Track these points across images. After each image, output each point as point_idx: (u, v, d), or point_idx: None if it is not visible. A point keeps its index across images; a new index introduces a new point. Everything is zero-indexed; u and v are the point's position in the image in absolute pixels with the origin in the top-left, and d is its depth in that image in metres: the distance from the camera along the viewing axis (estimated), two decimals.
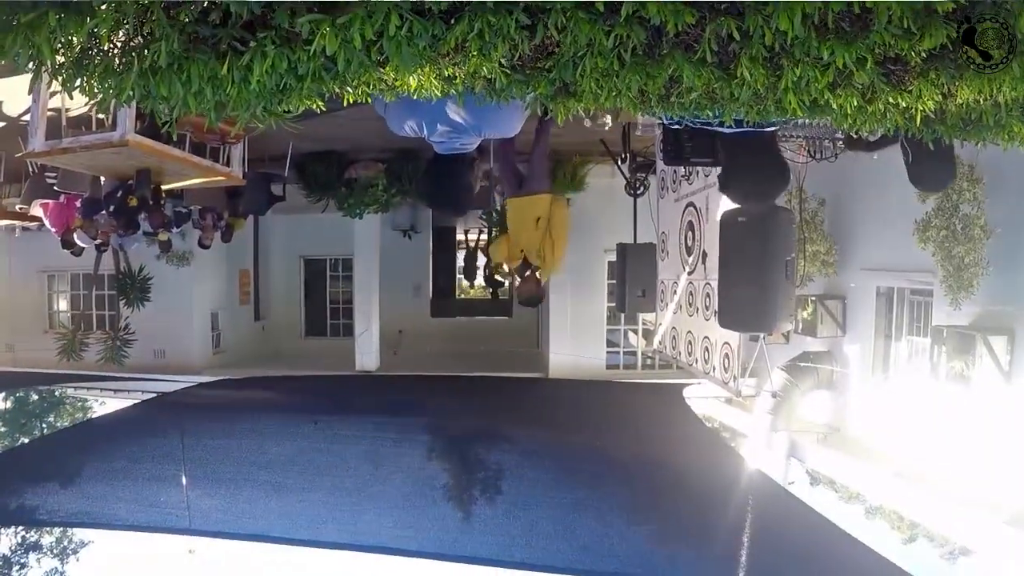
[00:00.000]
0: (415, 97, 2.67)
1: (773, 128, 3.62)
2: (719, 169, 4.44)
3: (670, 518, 8.76)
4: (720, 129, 3.42)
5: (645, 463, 9.85)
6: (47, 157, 6.89)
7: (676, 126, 4.21)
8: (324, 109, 2.77)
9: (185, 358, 14.64)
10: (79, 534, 12.43)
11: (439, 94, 2.62)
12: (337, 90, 2.57)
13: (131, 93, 2.37)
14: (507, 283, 6.64)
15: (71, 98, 2.76)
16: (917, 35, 2.15)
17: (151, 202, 8.41)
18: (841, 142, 4.83)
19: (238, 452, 10.85)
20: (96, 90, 2.40)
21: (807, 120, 2.74)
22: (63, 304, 15.97)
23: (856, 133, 4.00)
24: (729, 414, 11.72)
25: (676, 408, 11.62)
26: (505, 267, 6.54)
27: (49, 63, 2.24)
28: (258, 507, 9.44)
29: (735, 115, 2.68)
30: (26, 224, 11.73)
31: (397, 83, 2.56)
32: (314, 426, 11.38)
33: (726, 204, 6.46)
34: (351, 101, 2.74)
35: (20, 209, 10.99)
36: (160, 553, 9.71)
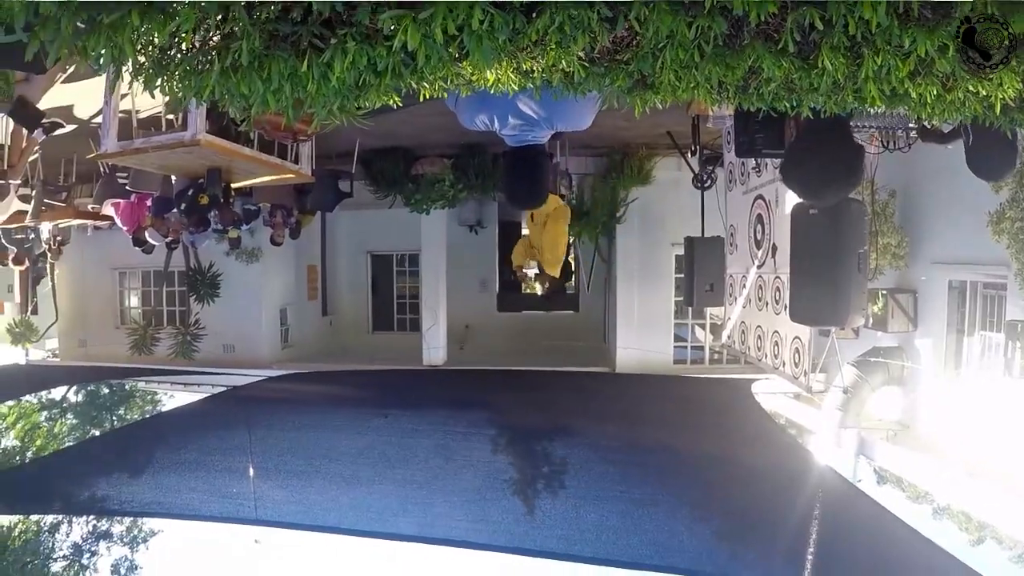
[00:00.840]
0: (491, 92, 2.67)
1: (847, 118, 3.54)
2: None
3: (738, 514, 8.70)
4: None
5: (713, 459, 9.79)
6: (119, 158, 7.01)
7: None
8: (400, 104, 2.76)
9: (254, 353, 14.85)
10: (148, 524, 12.83)
11: (516, 88, 2.61)
12: (414, 85, 2.56)
13: (212, 92, 2.40)
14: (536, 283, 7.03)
15: (152, 97, 2.80)
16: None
17: (222, 200, 8.57)
18: (914, 132, 4.74)
19: (308, 445, 10.98)
20: (177, 89, 2.42)
21: (883, 110, 2.69)
22: (134, 300, 16.32)
23: (930, 123, 3.97)
24: (798, 410, 11.57)
25: (744, 403, 11.51)
26: (526, 270, 6.90)
27: (131, 63, 2.28)
28: (329, 499, 9.58)
29: (813, 105, 2.65)
30: (98, 223, 12.03)
31: (475, 77, 2.56)
32: (384, 420, 11.52)
33: (796, 196, 6.44)
34: (427, 96, 2.74)
35: (92, 209, 11.20)
36: (227, 542, 9.94)
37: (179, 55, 2.37)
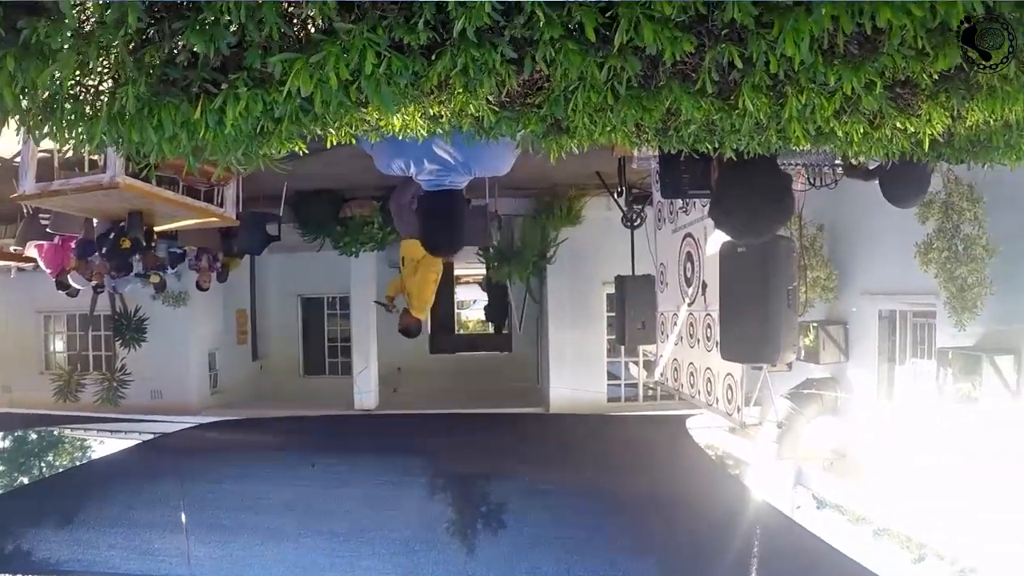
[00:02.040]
0: (401, 137, 2.55)
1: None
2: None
3: (677, 552, 8.62)
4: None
5: (648, 498, 9.67)
6: (38, 199, 6.90)
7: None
8: (307, 152, 2.64)
9: (183, 398, 14.53)
10: None
11: (425, 133, 2.50)
12: (319, 131, 2.44)
13: (103, 139, 2.24)
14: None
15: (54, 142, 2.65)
16: (931, 55, 2.03)
17: (144, 244, 8.36)
18: (840, 168, 4.70)
19: (234, 497, 10.62)
20: (67, 137, 2.26)
21: (809, 148, 2.60)
22: (59, 345, 15.92)
23: (857, 160, 3.91)
24: (733, 444, 11.55)
25: (679, 439, 11.46)
26: (395, 304, 7.48)
27: (13, 110, 2.11)
28: (253, 554, 9.25)
29: (735, 146, 2.55)
30: (21, 265, 11.73)
31: (381, 123, 2.45)
32: (311, 468, 11.15)
33: (724, 234, 6.39)
34: (334, 143, 2.62)
35: (14, 251, 10.91)
36: None
37: (67, 101, 2.20)
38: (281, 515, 9.93)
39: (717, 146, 2.55)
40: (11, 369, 15.45)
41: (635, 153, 4.60)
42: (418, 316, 7.26)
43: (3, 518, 11.20)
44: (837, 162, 4.53)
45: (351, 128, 2.47)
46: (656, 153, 4.56)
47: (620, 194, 7.42)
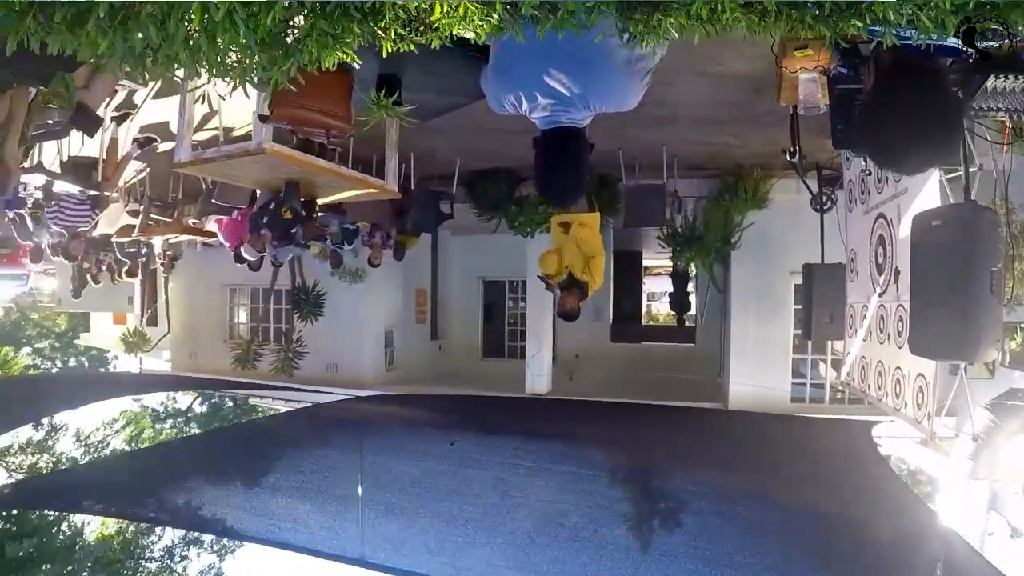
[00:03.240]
0: (456, 32, 2.14)
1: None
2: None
3: None
4: None
5: (813, 514, 8.74)
6: (192, 167, 6.94)
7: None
8: (359, 62, 2.33)
9: (357, 373, 14.76)
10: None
11: (481, 24, 2.03)
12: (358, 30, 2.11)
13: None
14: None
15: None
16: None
17: (302, 213, 8.37)
18: None
19: (363, 469, 10.51)
20: None
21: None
22: (243, 316, 16.56)
23: None
24: (924, 458, 10.50)
25: (863, 448, 10.42)
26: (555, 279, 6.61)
27: None
28: (365, 529, 9.13)
29: (899, 19, 1.88)
30: (207, 240, 12.17)
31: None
32: (449, 447, 10.88)
33: (918, 210, 5.59)
34: (390, 50, 2.27)
35: (194, 224, 11.51)
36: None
37: None
38: (403, 491, 9.79)
39: (872, 27, 1.91)
40: (198, 337, 16.44)
41: (800, 97, 3.93)
42: (592, 287, 6.79)
43: (147, 470, 11.70)
44: None
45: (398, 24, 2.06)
46: (826, 100, 3.90)
47: (792, 155, 6.72)
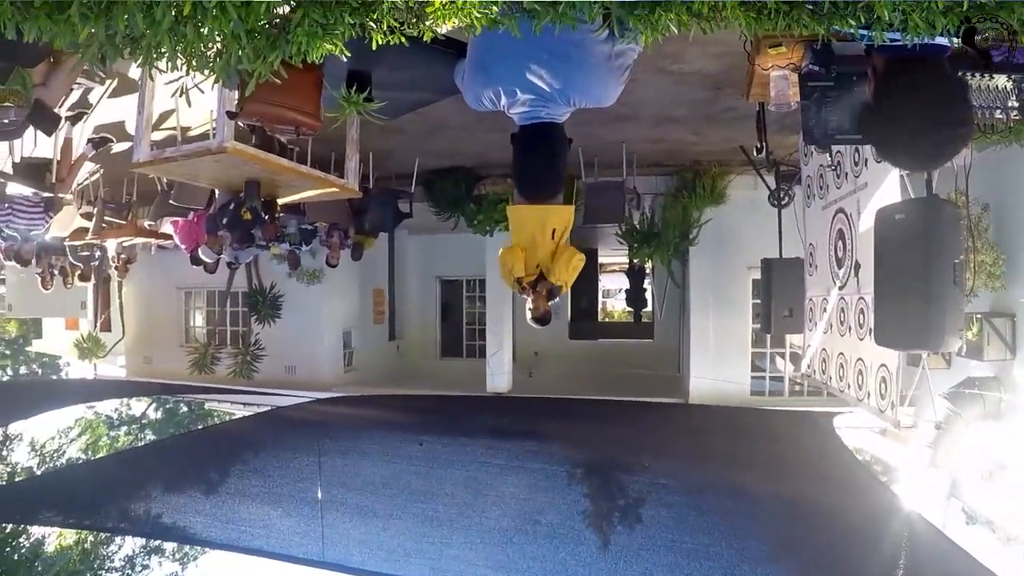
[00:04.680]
0: (452, 25, 2.12)
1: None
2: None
3: (809, 564, 7.89)
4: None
5: (784, 501, 8.87)
6: (151, 167, 6.74)
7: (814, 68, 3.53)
8: (348, 55, 2.30)
9: (316, 375, 14.68)
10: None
11: (479, 17, 2.04)
12: (351, 20, 2.09)
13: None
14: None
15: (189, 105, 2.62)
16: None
17: (263, 214, 8.29)
18: (1016, 111, 3.92)
19: (331, 472, 10.46)
20: None
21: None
22: (199, 319, 16.45)
23: None
24: (883, 447, 10.70)
25: (825, 439, 10.59)
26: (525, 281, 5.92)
27: None
28: (338, 532, 9.10)
29: (891, 16, 1.93)
30: (162, 243, 12.04)
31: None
32: (419, 447, 10.81)
33: (879, 204, 5.70)
34: (380, 42, 2.24)
35: (149, 226, 11.30)
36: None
37: None
38: (375, 493, 9.74)
39: (865, 28, 1.96)
40: (153, 342, 16.24)
41: (771, 94, 3.99)
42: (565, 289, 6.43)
43: (109, 479, 11.54)
44: (1012, 103, 3.79)
45: (391, 17, 2.06)
46: (797, 97, 3.95)
47: (760, 151, 6.80)
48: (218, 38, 2.11)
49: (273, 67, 2.27)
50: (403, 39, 2.24)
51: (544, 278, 5.56)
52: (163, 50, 2.13)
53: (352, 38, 2.21)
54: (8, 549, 18.51)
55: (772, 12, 1.96)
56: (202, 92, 2.52)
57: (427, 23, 2.19)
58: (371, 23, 2.16)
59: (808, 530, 8.26)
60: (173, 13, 1.96)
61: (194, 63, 2.22)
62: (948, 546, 8.16)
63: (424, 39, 2.26)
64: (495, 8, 2.08)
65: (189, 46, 2.10)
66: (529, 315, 5.57)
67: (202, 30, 2.04)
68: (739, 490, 9.12)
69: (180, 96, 2.49)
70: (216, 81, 2.33)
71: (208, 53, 2.19)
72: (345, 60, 2.32)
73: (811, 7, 1.94)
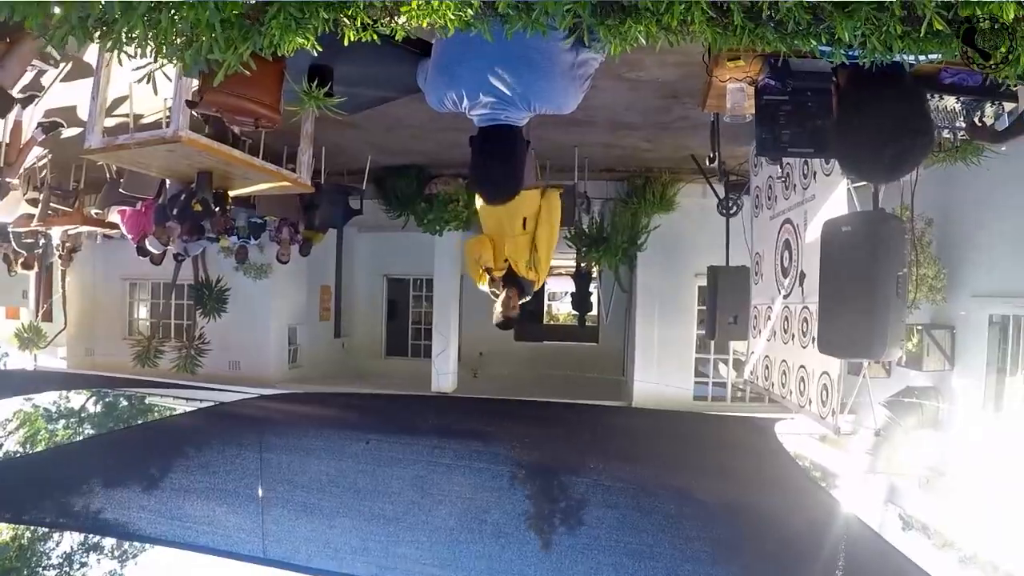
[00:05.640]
0: (425, 25, 2.15)
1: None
2: (828, 165, 3.62)
3: (751, 565, 8.01)
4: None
5: (726, 504, 8.98)
6: (103, 154, 6.64)
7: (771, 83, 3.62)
8: (319, 49, 2.30)
9: (260, 371, 14.53)
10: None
11: (453, 18, 2.08)
12: (325, 15, 2.11)
13: None
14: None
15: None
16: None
17: (213, 206, 8.22)
18: (962, 130, 4.08)
19: (276, 468, 10.40)
20: None
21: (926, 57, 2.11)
22: (143, 312, 16.18)
23: (980, 119, 3.35)
24: (822, 453, 10.91)
25: (766, 444, 10.77)
26: (489, 276, 5.39)
27: None
28: (284, 529, 9.01)
29: (850, 38, 2.02)
30: (108, 232, 11.90)
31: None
32: (365, 446, 10.79)
33: (826, 216, 5.84)
34: (352, 38, 2.27)
35: (96, 215, 11.14)
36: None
37: None
38: (321, 491, 9.67)
39: (825, 44, 2.04)
40: (95, 333, 15.90)
41: (727, 105, 4.07)
42: (536, 285, 5.55)
43: (47, 474, 11.35)
44: (959, 123, 3.94)
45: (365, 14, 2.09)
46: (752, 110, 4.05)
47: (713, 160, 6.91)
48: (191, 26, 2.11)
49: (243, 58, 2.27)
50: (375, 36, 2.26)
51: (514, 274, 5.20)
52: (134, 35, 2.12)
53: (325, 33, 2.23)
54: None
55: (738, 29, 2.03)
56: (168, 79, 2.51)
57: (400, 21, 2.22)
58: (345, 19, 2.19)
59: (750, 532, 8.39)
60: None
61: (164, 50, 2.22)
62: (887, 549, 8.35)
63: (396, 37, 2.29)
64: (470, 11, 2.11)
65: (161, 33, 2.10)
66: (497, 316, 5.23)
67: (175, 17, 2.04)
68: (682, 492, 9.26)
69: (147, 83, 2.47)
70: (185, 70, 2.33)
71: (177, 41, 2.19)
72: (307, 53, 2.33)
73: (774, 26, 2.02)
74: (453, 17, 2.09)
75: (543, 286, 5.58)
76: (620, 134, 9.86)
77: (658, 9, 1.96)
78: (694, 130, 8.90)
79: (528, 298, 5.29)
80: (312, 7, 2.11)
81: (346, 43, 2.30)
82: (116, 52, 2.20)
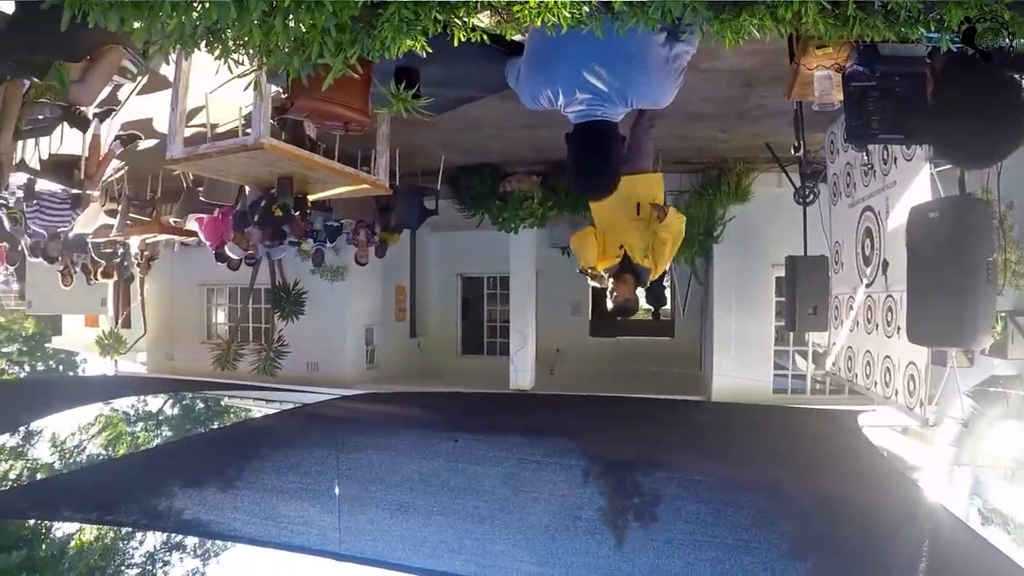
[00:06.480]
0: (539, 23, 2.17)
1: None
2: (910, 151, 3.57)
3: (842, 558, 7.88)
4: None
5: (814, 498, 8.86)
6: (185, 164, 6.92)
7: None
8: (429, 51, 2.31)
9: (338, 372, 14.74)
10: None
11: (568, 15, 2.10)
12: (438, 16, 2.13)
13: None
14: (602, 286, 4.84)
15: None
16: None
17: (294, 210, 8.35)
18: None
19: (367, 468, 10.47)
20: None
21: None
22: (221, 316, 16.53)
23: None
24: (904, 445, 10.67)
25: (850, 437, 10.56)
26: (597, 269, 5.27)
27: None
28: (380, 528, 9.06)
29: (958, 23, 2.02)
30: (185, 240, 12.12)
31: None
32: (453, 444, 10.80)
33: (910, 203, 5.75)
34: (461, 39, 2.28)
35: (175, 223, 11.42)
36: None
37: None
38: (414, 490, 9.71)
39: (934, 32, 2.04)
40: (175, 339, 16.32)
41: (815, 92, 4.05)
42: (654, 273, 5.37)
43: (138, 477, 11.58)
44: None
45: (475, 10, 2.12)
46: (840, 97, 4.02)
47: (797, 149, 6.84)
48: (303, 31, 2.13)
49: (350, 62, 2.31)
50: (484, 37, 2.29)
51: (630, 261, 5.09)
52: (244, 41, 2.17)
53: (434, 34, 2.26)
54: (34, 547, 18.61)
55: (850, 19, 2.04)
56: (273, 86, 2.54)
57: (508, 23, 2.24)
58: (456, 19, 2.22)
59: (836, 523, 8.26)
60: (263, 3, 1.99)
61: (272, 57, 2.25)
62: (983, 544, 8.11)
63: (507, 37, 2.32)
64: (585, 9, 2.13)
65: (273, 39, 2.12)
66: (610, 303, 5.19)
67: (289, 22, 2.06)
68: (771, 487, 9.09)
69: (255, 90, 2.50)
70: (292, 75, 2.34)
71: (285, 48, 2.22)
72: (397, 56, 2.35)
73: (884, 14, 2.02)
74: (568, 15, 2.10)
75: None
76: (695, 126, 9.77)
77: (774, 3, 1.97)
78: (772, 118, 8.79)
79: (644, 286, 5.18)
80: (426, 8, 2.13)
81: (455, 44, 2.33)
82: (223, 60, 2.24)
